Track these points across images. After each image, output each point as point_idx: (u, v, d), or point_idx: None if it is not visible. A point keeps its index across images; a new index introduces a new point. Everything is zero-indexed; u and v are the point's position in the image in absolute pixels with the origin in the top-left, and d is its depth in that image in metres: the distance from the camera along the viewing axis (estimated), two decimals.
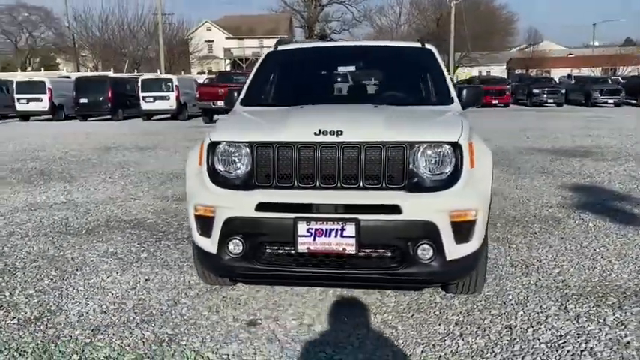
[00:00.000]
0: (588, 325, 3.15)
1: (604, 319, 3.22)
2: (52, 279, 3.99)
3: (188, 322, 3.25)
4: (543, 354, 2.84)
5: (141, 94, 22.11)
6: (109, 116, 22.70)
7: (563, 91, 31.09)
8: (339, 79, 4.52)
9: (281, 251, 2.98)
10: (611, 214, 5.73)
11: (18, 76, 29.96)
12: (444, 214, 2.90)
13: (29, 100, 22.96)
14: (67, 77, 29.40)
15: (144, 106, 22.11)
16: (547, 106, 29.48)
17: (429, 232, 2.88)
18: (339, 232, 2.87)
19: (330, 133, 2.94)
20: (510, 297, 3.58)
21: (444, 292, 3.61)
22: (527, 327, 3.14)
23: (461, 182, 2.96)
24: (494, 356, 2.83)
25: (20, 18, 51.81)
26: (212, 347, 2.94)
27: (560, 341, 2.97)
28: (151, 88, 22.06)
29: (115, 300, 3.59)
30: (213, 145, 3.12)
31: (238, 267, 3.05)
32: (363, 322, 3.23)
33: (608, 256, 4.40)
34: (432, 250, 2.91)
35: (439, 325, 3.19)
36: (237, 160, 3.08)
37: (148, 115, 22.51)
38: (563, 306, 3.42)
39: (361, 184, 2.93)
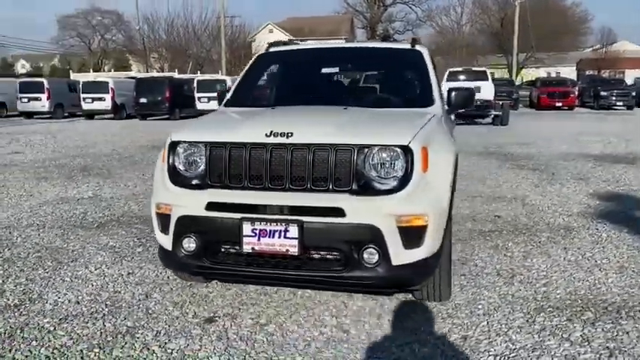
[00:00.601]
0: (548, 340, 3.00)
1: (569, 335, 3.05)
2: (45, 269, 4.21)
3: (150, 316, 3.35)
4: None
5: (196, 95, 22.82)
6: (167, 116, 23.53)
7: (634, 93, 29.46)
8: (322, 81, 4.51)
9: (230, 250, 3.03)
10: (632, 225, 5.40)
11: (89, 77, 31.70)
12: (390, 218, 2.84)
13: (93, 99, 24.21)
14: (133, 78, 30.79)
15: (198, 106, 22.80)
16: (616, 109, 28.05)
17: (372, 236, 2.83)
18: (283, 234, 2.87)
19: (281, 134, 2.95)
20: (481, 307, 3.46)
21: (405, 298, 3.54)
22: (484, 339, 3.03)
23: (410, 186, 2.89)
24: None
25: (94, 21, 54.78)
26: (161, 341, 3.01)
27: (511, 355, 2.85)
28: (206, 88, 22.72)
29: (92, 292, 3.75)
30: (173, 145, 3.20)
31: (191, 264, 3.12)
32: (318, 324, 3.21)
33: (607, 269, 4.16)
34: (377, 255, 2.86)
35: (394, 331, 3.13)
36: (194, 160, 3.14)
37: (202, 115, 23.15)
38: (531, 319, 3.27)
39: (308, 186, 2.92)
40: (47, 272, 4.14)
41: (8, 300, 3.62)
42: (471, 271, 4.14)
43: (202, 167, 3.10)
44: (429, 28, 61.53)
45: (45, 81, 25.89)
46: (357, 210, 2.84)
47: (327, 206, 2.85)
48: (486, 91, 19.70)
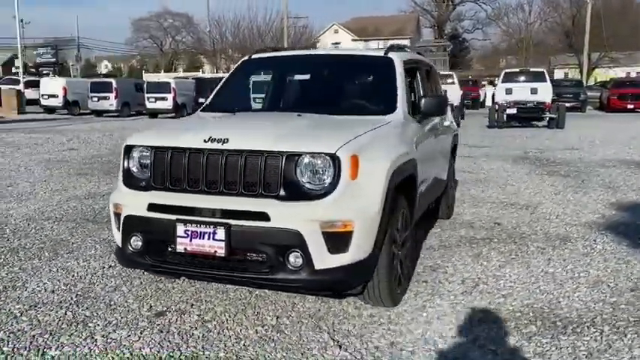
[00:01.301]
0: (473, 352, 2.98)
1: (497, 348, 3.02)
2: (40, 260, 4.57)
3: (110, 307, 3.59)
4: None
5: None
6: None
7: None
8: (292, 87, 4.61)
9: (169, 249, 3.21)
10: (635, 237, 5.16)
11: (159, 77, 33.22)
12: (313, 223, 2.93)
13: (156, 99, 25.39)
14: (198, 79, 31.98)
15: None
16: None
17: (295, 240, 2.93)
18: (211, 236, 3.02)
19: (217, 140, 3.10)
20: (425, 315, 3.47)
21: (360, 303, 3.59)
22: (411, 346, 3.05)
23: (336, 193, 2.97)
24: None
25: (165, 24, 57.26)
26: (106, 331, 3.23)
27: None
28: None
29: (70, 282, 4.05)
30: (127, 149, 3.43)
31: (137, 261, 3.34)
32: (258, 323, 3.34)
33: (581, 283, 4.03)
34: (301, 259, 2.95)
35: (325, 334, 3.20)
36: (144, 163, 3.36)
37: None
38: (469, 330, 3.25)
39: (240, 191, 3.06)
40: (41, 262, 4.49)
41: None
42: (436, 278, 4.13)
43: (148, 170, 3.30)
44: (497, 26, 59.78)
45: (113, 81, 27.41)
46: (282, 215, 2.94)
47: (252, 210, 2.97)
48: (543, 92, 19.03)
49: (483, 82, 40.53)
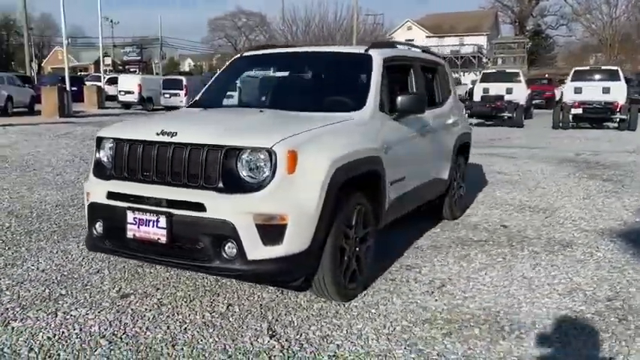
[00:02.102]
0: (399, 349, 2.97)
1: (425, 346, 3.00)
2: (47, 242, 4.95)
3: (84, 287, 3.86)
4: None
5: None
6: None
7: None
8: (269, 84, 4.70)
9: (122, 235, 3.41)
10: None
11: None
12: (247, 215, 3.03)
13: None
14: None
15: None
16: None
17: (228, 231, 3.04)
18: (155, 223, 3.20)
19: (168, 133, 3.27)
20: (374, 311, 3.47)
21: (303, 297, 3.65)
22: (344, 341, 3.08)
23: (271, 187, 3.05)
24: (271, 359, 2.90)
25: (239, 23, 58.96)
26: (69, 308, 3.48)
27: (354, 357, 2.89)
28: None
29: (61, 263, 4.36)
30: (98, 140, 3.68)
31: (99, 245, 3.57)
32: (208, 310, 3.47)
33: (555, 290, 3.88)
34: (235, 249, 3.07)
35: (266, 323, 3.29)
36: (109, 154, 3.59)
37: None
38: (409, 328, 3.24)
39: (184, 182, 3.21)
40: (47, 244, 4.86)
41: None
42: (405, 276, 4.11)
43: (111, 160, 3.53)
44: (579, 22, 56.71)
45: (184, 79, 28.71)
46: (217, 206, 3.07)
47: (190, 201, 3.11)
48: (616, 92, 17.95)
49: (563, 80, 38.58)
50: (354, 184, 3.52)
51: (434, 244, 4.98)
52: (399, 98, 4.08)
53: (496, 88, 20.89)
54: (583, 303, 3.65)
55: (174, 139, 3.24)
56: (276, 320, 3.34)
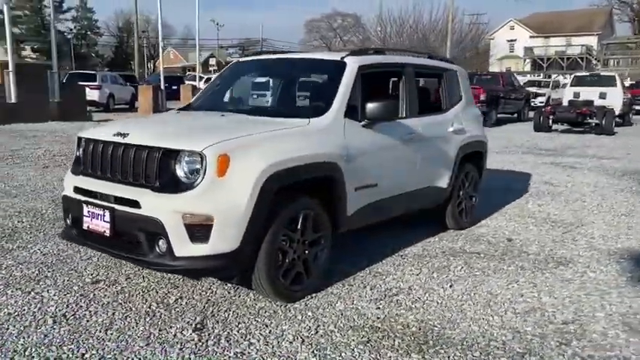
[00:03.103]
0: (303, 352, 3.03)
1: (330, 354, 3.03)
2: (54, 227, 5.46)
3: (68, 272, 4.22)
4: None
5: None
6: None
7: None
8: (245, 89, 4.85)
9: (81, 226, 3.73)
10: None
11: None
12: (176, 214, 3.23)
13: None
14: None
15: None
16: None
17: (158, 228, 3.25)
18: (102, 217, 3.49)
19: (121, 135, 3.56)
20: (310, 314, 3.54)
21: (253, 296, 3.78)
22: (256, 338, 3.19)
23: (199, 188, 3.23)
24: (182, 350, 3.07)
25: (335, 24, 59.59)
26: (42, 289, 3.87)
27: (245, 355, 3.00)
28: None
29: (63, 249, 4.77)
30: (78, 140, 4.05)
31: (69, 234, 3.92)
32: (159, 300, 3.71)
33: (515, 308, 3.72)
34: (165, 245, 3.28)
35: (199, 317, 3.47)
36: (81, 152, 3.94)
37: None
38: (324, 334, 3.28)
39: (129, 180, 3.47)
40: (53, 229, 5.36)
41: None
42: (366, 282, 4.11)
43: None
44: None
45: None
46: (150, 204, 3.30)
47: (128, 198, 3.37)
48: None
49: None
50: (298, 189, 3.61)
51: (421, 252, 4.91)
52: (367, 105, 4.09)
53: (587, 93, 19.62)
54: (533, 324, 3.48)
55: (124, 140, 3.52)
56: (213, 315, 3.51)
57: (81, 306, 3.63)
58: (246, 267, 3.45)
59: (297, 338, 3.22)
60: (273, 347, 3.11)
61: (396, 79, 4.69)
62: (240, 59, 5.25)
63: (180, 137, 3.47)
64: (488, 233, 5.61)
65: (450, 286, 4.09)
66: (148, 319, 3.44)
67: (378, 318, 3.51)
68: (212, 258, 3.28)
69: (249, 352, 3.06)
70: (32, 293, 3.83)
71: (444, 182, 5.26)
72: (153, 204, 3.30)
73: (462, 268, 4.51)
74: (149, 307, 3.62)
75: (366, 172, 4.16)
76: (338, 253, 4.34)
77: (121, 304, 3.67)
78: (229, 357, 3.01)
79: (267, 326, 3.37)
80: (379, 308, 3.67)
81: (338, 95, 4.08)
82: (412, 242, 5.18)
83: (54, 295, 3.81)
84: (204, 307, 3.64)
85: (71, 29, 58.80)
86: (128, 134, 3.54)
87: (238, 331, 3.30)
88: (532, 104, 25.20)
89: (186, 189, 3.26)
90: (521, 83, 26.79)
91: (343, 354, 3.04)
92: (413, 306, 3.72)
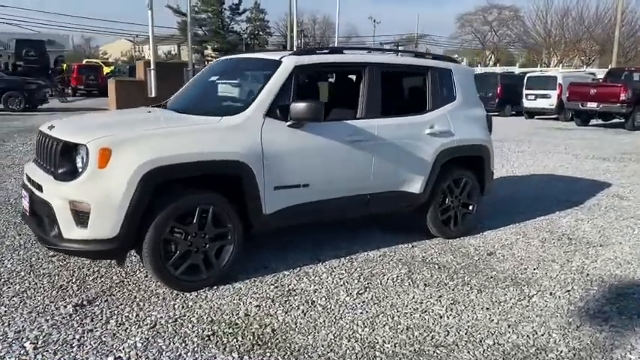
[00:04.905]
0: (137, 339, 3.19)
1: (157, 342, 3.16)
2: None
3: (53, 261, 4.75)
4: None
5: (524, 92, 21.91)
6: (496, 112, 23.29)
7: None
8: (197, 88, 4.99)
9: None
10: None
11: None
12: (64, 200, 3.60)
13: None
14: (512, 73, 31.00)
15: (525, 103, 21.85)
16: None
17: (50, 211, 3.65)
18: (27, 199, 3.99)
19: (50, 127, 4.04)
20: (190, 304, 3.68)
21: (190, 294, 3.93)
22: (131, 321, 3.42)
23: (82, 178, 3.57)
24: (51, 319, 3.41)
25: (490, 18, 56.40)
26: (20, 280, 4.47)
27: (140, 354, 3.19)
28: (534, 85, 21.58)
29: None
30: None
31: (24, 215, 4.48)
32: (107, 282, 4.04)
33: (396, 323, 3.48)
34: (56, 227, 3.66)
35: (84, 296, 3.77)
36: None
37: (530, 114, 22.04)
38: (184, 324, 3.40)
39: (47, 168, 3.92)
40: None
41: None
42: (276, 281, 4.11)
43: None
44: None
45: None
46: (48, 190, 3.72)
47: (38, 182, 3.82)
48: None
49: None
50: (194, 184, 3.78)
51: (376, 257, 4.73)
52: (291, 105, 4.08)
53: None
54: (396, 341, 3.24)
55: (49, 132, 3.98)
56: (110, 297, 3.80)
57: (43, 287, 3.98)
58: (126, 252, 3.72)
59: (153, 324, 3.38)
60: (123, 333, 3.29)
61: (354, 78, 4.56)
62: (217, 59, 5.47)
63: (79, 132, 3.85)
64: (475, 245, 5.19)
65: (358, 293, 3.93)
66: (44, 294, 3.80)
67: (246, 316, 3.54)
68: (92, 242, 3.59)
69: (97, 331, 3.30)
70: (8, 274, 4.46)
71: (414, 187, 4.97)
72: (49, 190, 3.71)
73: (397, 278, 4.28)
74: (101, 287, 3.94)
75: (290, 173, 4.16)
76: (284, 249, 4.36)
77: (80, 284, 4.00)
78: (87, 330, 3.29)
79: (148, 313, 3.55)
80: (259, 307, 3.68)
81: (261, 94, 4.13)
82: (377, 247, 5.00)
83: (23, 284, 4.25)
84: (109, 288, 3.95)
85: (244, 30, 63.31)
86: (53, 127, 3.99)
87: (123, 313, 3.54)
88: None
89: (73, 178, 3.61)
90: None
91: (169, 344, 3.15)
92: (295, 309, 3.66)
